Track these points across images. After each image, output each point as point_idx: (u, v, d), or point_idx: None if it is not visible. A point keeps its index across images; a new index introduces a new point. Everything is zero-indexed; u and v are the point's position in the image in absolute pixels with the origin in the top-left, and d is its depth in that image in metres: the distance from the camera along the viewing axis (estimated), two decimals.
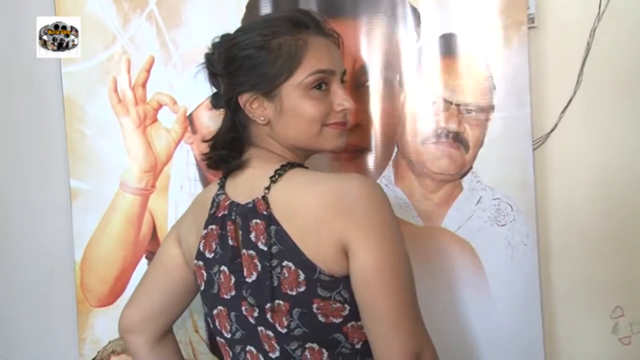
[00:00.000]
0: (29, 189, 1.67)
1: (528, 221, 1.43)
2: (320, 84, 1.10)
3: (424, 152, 1.46)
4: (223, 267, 1.08)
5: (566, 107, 1.46)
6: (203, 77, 1.53)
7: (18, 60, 1.64)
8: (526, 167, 1.43)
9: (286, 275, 1.01)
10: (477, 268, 1.46)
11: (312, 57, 1.09)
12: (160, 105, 1.57)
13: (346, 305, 1.01)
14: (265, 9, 1.50)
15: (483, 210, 1.45)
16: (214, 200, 1.12)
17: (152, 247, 1.60)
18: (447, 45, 1.45)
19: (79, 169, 1.61)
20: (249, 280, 1.04)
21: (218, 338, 1.15)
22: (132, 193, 1.59)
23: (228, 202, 1.09)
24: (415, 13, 1.46)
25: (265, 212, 1.03)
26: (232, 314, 1.08)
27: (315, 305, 1.00)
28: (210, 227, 1.10)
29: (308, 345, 1.02)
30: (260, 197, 1.05)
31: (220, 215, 1.09)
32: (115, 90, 1.58)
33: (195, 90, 1.54)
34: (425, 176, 1.47)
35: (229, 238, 1.06)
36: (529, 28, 1.43)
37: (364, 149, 1.48)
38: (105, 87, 1.59)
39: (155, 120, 1.58)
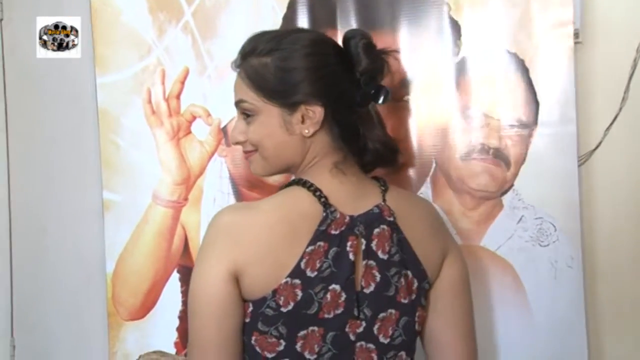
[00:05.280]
0: (63, 199, 1.67)
1: (573, 242, 1.38)
2: None
3: (464, 168, 1.42)
4: (334, 286, 1.01)
5: (611, 123, 1.41)
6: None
7: (57, 71, 1.64)
8: (571, 185, 1.38)
9: (403, 283, 1.04)
10: (518, 290, 1.41)
11: None
12: (194, 117, 1.55)
13: (425, 313, 1.10)
14: (302, 20, 1.47)
15: (525, 229, 1.40)
16: (326, 217, 1.02)
17: (183, 260, 1.58)
18: (489, 59, 1.40)
19: (112, 180, 1.60)
20: (366, 291, 1.03)
21: None
22: (164, 206, 1.57)
23: (347, 217, 1.03)
24: (456, 26, 1.42)
25: (390, 219, 1.05)
26: (330, 334, 1.02)
27: (417, 314, 1.07)
28: (319, 243, 1.01)
29: (400, 353, 1.06)
30: (383, 203, 1.06)
31: (337, 232, 1.02)
32: (149, 102, 1.57)
33: (229, 102, 1.52)
34: (465, 193, 1.42)
35: (350, 253, 1.02)
36: (575, 43, 1.38)
37: (402, 164, 1.43)
38: (140, 99, 1.57)
39: (189, 132, 1.56)
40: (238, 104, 1.10)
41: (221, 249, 1.01)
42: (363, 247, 1.03)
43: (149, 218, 1.58)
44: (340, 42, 1.13)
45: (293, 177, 1.12)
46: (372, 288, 1.03)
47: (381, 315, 1.03)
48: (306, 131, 1.04)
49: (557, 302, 1.39)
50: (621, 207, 1.42)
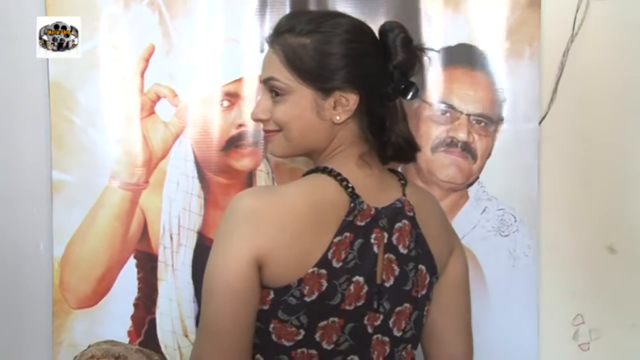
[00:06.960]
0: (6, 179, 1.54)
1: (530, 233, 1.48)
2: None
3: (433, 160, 1.48)
4: (357, 278, 1.00)
5: (541, 121, 1.51)
6: (205, 70, 1.50)
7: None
8: (531, 180, 1.48)
9: (417, 278, 1.05)
10: (477, 277, 1.49)
11: None
12: (159, 97, 1.49)
13: (429, 307, 1.11)
14: (280, 2, 1.46)
15: (487, 220, 1.49)
16: (354, 208, 1.01)
17: (141, 246, 1.51)
18: (460, 55, 1.47)
19: (64, 159, 1.50)
20: (386, 284, 1.03)
21: (302, 350, 1.01)
22: (122, 188, 1.50)
23: (373, 209, 1.02)
24: (429, 20, 1.47)
25: (410, 214, 1.05)
26: (349, 325, 1.01)
27: (426, 308, 1.09)
28: (345, 234, 1.00)
29: (409, 346, 1.08)
30: (404, 198, 1.06)
31: (363, 223, 1.01)
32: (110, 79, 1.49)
33: (196, 83, 1.49)
34: (433, 184, 1.48)
35: (374, 246, 1.01)
36: None
37: None
38: (99, 74, 1.49)
39: (152, 112, 1.50)
40: (268, 81, 1.04)
41: (244, 234, 0.96)
42: (385, 240, 1.04)
43: (105, 201, 1.50)
44: None
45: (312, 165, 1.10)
46: (391, 282, 1.03)
47: (398, 309, 1.04)
48: (338, 118, 1.02)
49: (513, 287, 1.49)
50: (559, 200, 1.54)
